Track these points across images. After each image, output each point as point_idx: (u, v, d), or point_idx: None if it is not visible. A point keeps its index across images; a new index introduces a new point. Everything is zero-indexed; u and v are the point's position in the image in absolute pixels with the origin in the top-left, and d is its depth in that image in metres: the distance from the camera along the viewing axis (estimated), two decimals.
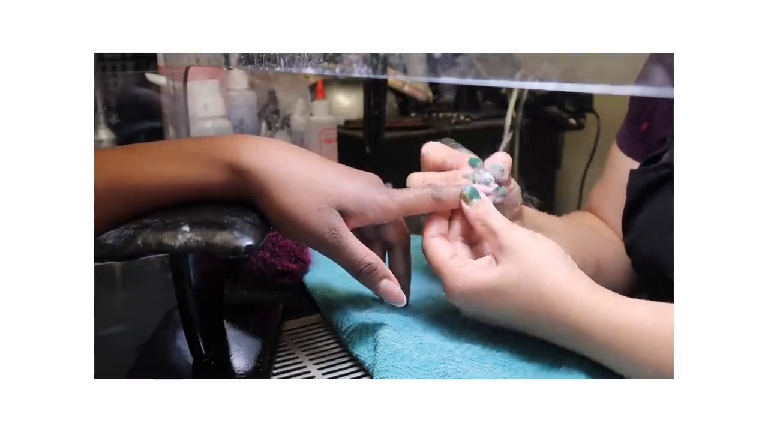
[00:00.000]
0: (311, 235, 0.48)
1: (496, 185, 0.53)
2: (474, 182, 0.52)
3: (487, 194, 0.51)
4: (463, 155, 0.55)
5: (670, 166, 0.57)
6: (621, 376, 0.44)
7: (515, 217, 0.57)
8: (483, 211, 0.49)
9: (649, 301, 0.44)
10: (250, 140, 0.48)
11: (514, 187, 0.56)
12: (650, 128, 0.67)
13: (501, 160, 0.54)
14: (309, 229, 0.47)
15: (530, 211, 0.61)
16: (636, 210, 0.60)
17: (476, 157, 0.55)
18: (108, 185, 0.46)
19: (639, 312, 0.43)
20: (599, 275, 0.64)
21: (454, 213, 0.52)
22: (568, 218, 0.74)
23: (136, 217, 0.46)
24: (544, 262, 0.46)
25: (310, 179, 0.48)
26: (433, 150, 0.56)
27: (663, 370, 0.40)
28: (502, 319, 0.49)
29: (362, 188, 0.49)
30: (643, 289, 0.65)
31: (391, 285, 0.50)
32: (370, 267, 0.49)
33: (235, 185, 0.47)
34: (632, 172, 0.62)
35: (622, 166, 0.70)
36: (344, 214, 0.48)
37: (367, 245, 0.50)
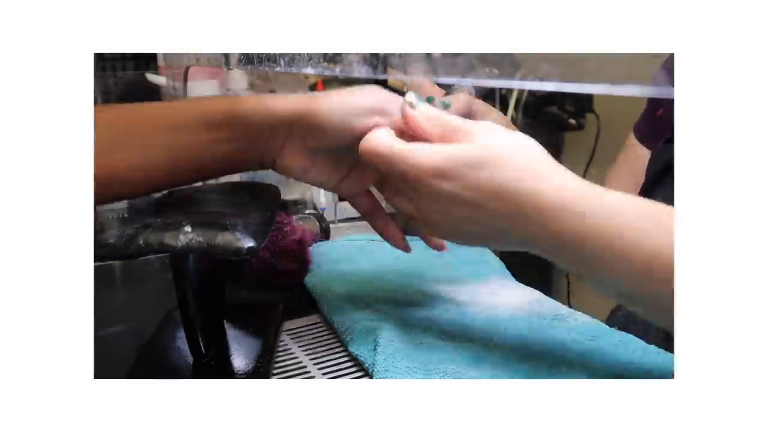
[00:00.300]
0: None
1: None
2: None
3: None
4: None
5: None
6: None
7: None
8: (436, 113, 0.45)
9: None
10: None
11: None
12: (665, 114, 0.68)
13: (456, 98, 0.54)
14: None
15: None
16: (657, 185, 0.60)
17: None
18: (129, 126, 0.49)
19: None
20: None
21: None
22: None
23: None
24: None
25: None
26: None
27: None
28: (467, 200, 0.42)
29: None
30: None
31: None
32: None
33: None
34: (655, 149, 0.62)
35: (634, 150, 0.71)
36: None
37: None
